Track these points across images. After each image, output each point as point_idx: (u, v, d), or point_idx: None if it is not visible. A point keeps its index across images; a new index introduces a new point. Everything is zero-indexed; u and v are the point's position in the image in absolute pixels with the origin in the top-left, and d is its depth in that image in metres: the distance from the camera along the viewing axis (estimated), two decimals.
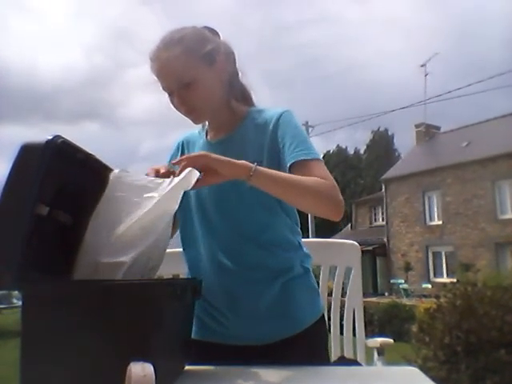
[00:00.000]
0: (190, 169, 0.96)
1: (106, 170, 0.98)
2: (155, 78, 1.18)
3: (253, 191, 1.06)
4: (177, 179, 0.94)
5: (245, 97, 1.30)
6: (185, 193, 0.96)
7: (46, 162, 0.80)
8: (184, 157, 1.03)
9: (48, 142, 0.81)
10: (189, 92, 1.15)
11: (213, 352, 1.22)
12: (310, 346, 1.21)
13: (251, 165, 1.02)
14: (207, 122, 1.32)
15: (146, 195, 0.91)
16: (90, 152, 0.94)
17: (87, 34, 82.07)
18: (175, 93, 1.17)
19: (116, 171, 0.97)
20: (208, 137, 1.31)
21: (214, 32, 1.24)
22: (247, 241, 1.19)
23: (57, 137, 0.82)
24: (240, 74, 1.27)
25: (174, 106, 1.20)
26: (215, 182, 1.04)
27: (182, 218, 1.25)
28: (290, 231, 1.25)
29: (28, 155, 0.80)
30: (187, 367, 1.07)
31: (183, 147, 1.36)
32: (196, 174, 0.96)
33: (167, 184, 0.93)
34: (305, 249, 1.30)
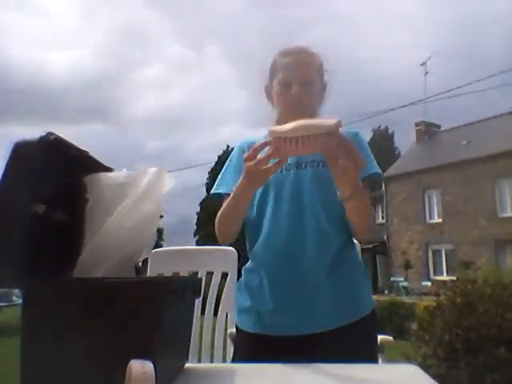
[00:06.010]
0: (160, 170, 0.96)
1: (100, 166, 0.98)
2: (275, 69, 1.42)
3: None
4: (150, 180, 0.94)
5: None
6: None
7: (40, 159, 0.80)
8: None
9: (41, 139, 0.81)
10: (305, 89, 1.38)
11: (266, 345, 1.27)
12: (362, 336, 1.33)
13: (359, 189, 1.14)
14: None
15: (122, 191, 0.92)
16: (84, 148, 0.94)
17: (95, 35, 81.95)
18: (295, 85, 1.38)
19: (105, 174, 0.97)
20: None
21: None
22: (310, 229, 1.30)
23: (49, 134, 0.82)
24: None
25: (285, 95, 1.40)
26: (331, 166, 1.08)
27: (257, 205, 1.35)
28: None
29: (21, 153, 0.80)
30: (187, 365, 1.07)
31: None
32: (166, 176, 0.96)
33: (145, 180, 0.93)
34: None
